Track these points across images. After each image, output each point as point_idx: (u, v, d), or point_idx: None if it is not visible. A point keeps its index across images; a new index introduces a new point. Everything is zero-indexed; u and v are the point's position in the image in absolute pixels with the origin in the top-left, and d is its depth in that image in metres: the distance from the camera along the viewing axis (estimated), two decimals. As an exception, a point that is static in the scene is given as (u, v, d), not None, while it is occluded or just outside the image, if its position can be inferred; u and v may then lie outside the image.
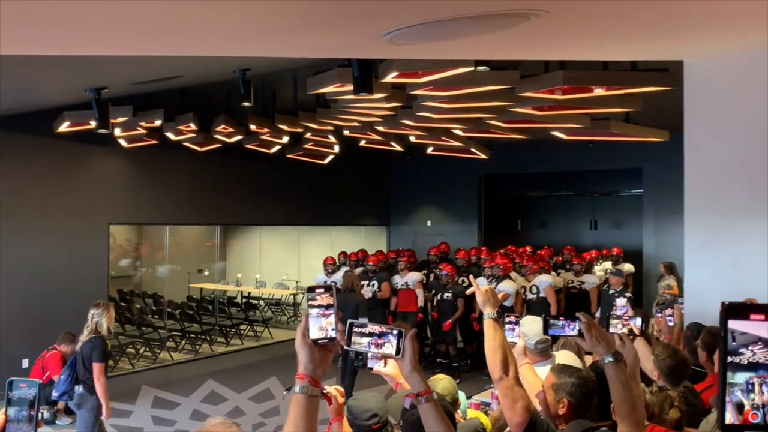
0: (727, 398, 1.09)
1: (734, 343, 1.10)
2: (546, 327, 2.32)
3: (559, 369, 2.72)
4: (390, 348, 1.61)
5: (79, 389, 5.39)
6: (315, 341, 1.47)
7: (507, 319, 3.31)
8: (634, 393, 2.31)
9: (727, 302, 1.12)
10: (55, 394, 5.51)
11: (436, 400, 1.72)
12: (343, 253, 11.29)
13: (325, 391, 2.48)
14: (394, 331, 1.62)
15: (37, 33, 3.29)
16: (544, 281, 8.79)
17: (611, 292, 8.41)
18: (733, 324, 1.10)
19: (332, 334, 1.47)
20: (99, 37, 3.39)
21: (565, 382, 2.58)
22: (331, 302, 1.49)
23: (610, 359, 2.23)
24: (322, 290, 1.50)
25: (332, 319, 1.47)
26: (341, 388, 2.38)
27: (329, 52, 4.24)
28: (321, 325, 1.47)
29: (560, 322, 2.30)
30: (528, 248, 11.65)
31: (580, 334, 2.26)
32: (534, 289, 8.78)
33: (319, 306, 1.48)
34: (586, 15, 2.89)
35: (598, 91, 5.18)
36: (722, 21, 3.42)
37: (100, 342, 5.39)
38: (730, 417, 1.09)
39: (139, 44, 3.63)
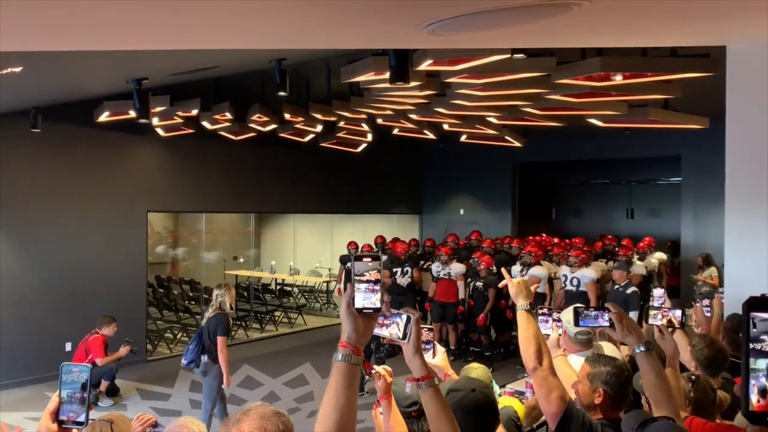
0: (752, 382, 1.10)
1: (755, 330, 1.11)
2: (577, 318, 2.31)
3: (593, 359, 2.71)
4: (396, 331, 1.65)
5: (204, 358, 6.02)
6: (359, 310, 1.47)
7: (540, 311, 3.32)
8: (669, 381, 2.30)
9: (751, 296, 1.13)
10: (183, 362, 6.11)
11: (437, 386, 1.76)
12: (354, 244, 11.36)
13: (373, 371, 2.52)
14: (403, 316, 1.66)
15: (80, 31, 3.37)
16: (587, 275, 8.54)
17: (616, 287, 7.91)
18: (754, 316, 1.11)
19: (377, 304, 1.47)
20: (140, 35, 3.45)
21: (600, 371, 2.57)
22: (379, 277, 1.47)
23: (642, 349, 2.24)
24: (370, 260, 1.48)
25: (379, 294, 1.47)
26: (389, 368, 2.40)
27: (368, 44, 4.24)
28: (367, 297, 1.47)
29: (592, 313, 2.30)
30: (576, 240, 11.35)
31: (611, 325, 2.26)
32: (575, 281, 8.62)
33: (368, 281, 1.47)
34: (628, 2, 2.84)
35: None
36: (768, 4, 3.32)
37: (224, 318, 6.04)
38: (754, 403, 1.10)
39: (178, 40, 3.70)
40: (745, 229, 4.75)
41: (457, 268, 9.65)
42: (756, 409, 1.09)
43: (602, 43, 4.72)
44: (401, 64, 4.29)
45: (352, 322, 1.46)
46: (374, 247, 11.28)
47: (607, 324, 2.28)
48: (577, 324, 2.34)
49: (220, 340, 5.95)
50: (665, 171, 13.51)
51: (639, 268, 9.61)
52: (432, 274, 9.95)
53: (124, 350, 7.62)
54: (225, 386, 6.10)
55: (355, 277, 1.47)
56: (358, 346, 1.45)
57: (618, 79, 5.12)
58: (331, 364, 1.45)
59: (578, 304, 2.29)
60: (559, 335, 3.36)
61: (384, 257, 9.72)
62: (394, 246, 10.46)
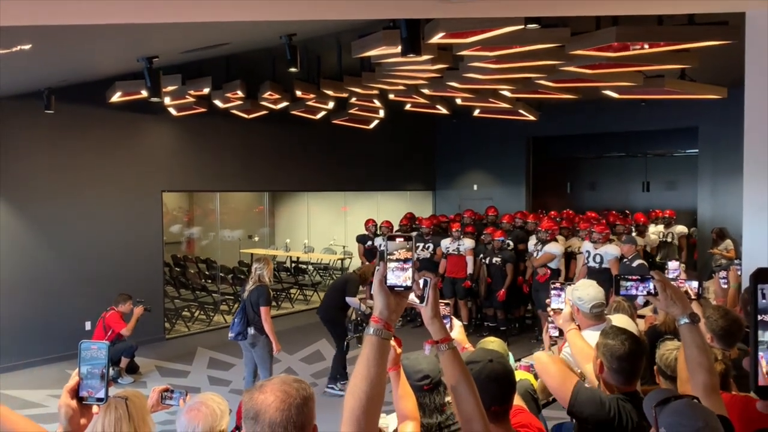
0: (761, 355, 1.07)
1: (764, 301, 1.08)
2: (618, 288, 2.21)
3: (604, 331, 2.71)
4: (413, 296, 1.69)
5: (251, 330, 6.25)
6: (391, 288, 1.52)
7: (552, 285, 3.32)
8: (712, 358, 2.17)
9: (759, 267, 1.10)
10: (231, 335, 6.37)
11: (455, 348, 1.79)
12: (372, 221, 11.34)
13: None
14: (420, 280, 1.68)
15: (88, 2, 3.35)
16: (611, 253, 8.46)
17: (625, 261, 7.95)
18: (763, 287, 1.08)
19: (407, 282, 1.53)
20: (150, 6, 3.43)
21: (601, 343, 2.60)
22: (410, 256, 1.53)
23: (686, 320, 2.10)
24: (402, 240, 1.54)
25: (409, 272, 1.52)
26: (399, 338, 2.41)
27: (382, 13, 4.18)
28: (398, 275, 1.52)
29: (630, 283, 2.19)
30: (590, 214, 11.17)
31: (654, 294, 2.15)
32: (598, 258, 8.55)
33: (398, 260, 1.53)
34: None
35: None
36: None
37: (264, 289, 6.25)
38: (764, 377, 1.07)
39: (189, 12, 3.67)
40: (765, 199, 4.68)
41: (468, 243, 9.66)
42: (767, 383, 1.06)
43: (617, 11, 4.63)
44: (413, 35, 4.24)
45: (384, 299, 1.53)
46: (399, 224, 11.33)
47: (644, 293, 2.17)
48: (618, 294, 2.28)
49: (263, 310, 6.15)
50: (682, 143, 13.34)
51: (638, 240, 9.47)
52: (442, 250, 9.93)
53: (138, 310, 7.69)
54: (275, 352, 6.29)
55: (387, 256, 1.53)
56: (389, 322, 1.51)
57: (645, 47, 5.00)
58: (363, 338, 1.52)
59: (623, 274, 2.22)
60: (573, 305, 3.38)
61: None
62: (421, 222, 10.59)
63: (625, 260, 7.97)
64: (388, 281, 1.52)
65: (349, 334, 7.39)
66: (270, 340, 6.26)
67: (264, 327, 6.20)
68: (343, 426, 1.45)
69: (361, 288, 7.58)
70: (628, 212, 10.79)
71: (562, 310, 3.27)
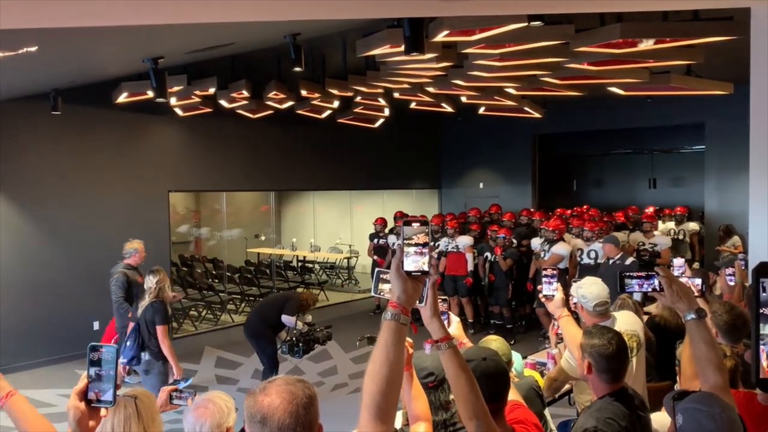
0: (762, 348, 1.07)
1: (765, 295, 1.08)
2: (622, 285, 2.20)
3: (587, 331, 2.72)
4: None
5: (145, 356, 5.56)
6: (409, 273, 1.52)
7: (544, 272, 3.31)
8: (720, 353, 2.17)
9: (761, 261, 1.10)
10: (123, 360, 5.58)
11: (456, 346, 1.80)
12: (382, 220, 11.37)
13: None
14: None
15: (92, 4, 3.37)
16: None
17: (610, 262, 7.69)
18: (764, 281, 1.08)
19: (425, 268, 1.52)
20: (154, 8, 3.45)
21: (587, 344, 2.61)
22: (427, 240, 1.52)
23: (693, 316, 2.09)
24: (418, 224, 1.53)
25: (427, 257, 1.51)
26: (410, 340, 2.42)
27: (385, 12, 4.19)
28: (416, 260, 1.51)
29: (635, 280, 2.17)
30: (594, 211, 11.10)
31: (660, 290, 2.13)
32: (592, 254, 8.47)
33: (416, 245, 1.52)
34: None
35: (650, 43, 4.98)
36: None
37: (161, 305, 5.57)
38: (766, 368, 1.07)
39: (193, 13, 3.68)
40: (771, 195, 4.66)
41: (464, 240, 9.63)
42: (766, 378, 1.06)
43: (621, 7, 4.62)
44: (416, 34, 4.24)
45: (401, 285, 1.52)
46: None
47: (649, 289, 2.15)
48: (622, 291, 2.26)
49: (159, 329, 5.45)
50: (688, 139, 13.28)
51: (665, 239, 9.33)
52: (441, 248, 9.90)
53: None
54: (177, 377, 5.31)
55: (405, 241, 1.52)
56: (406, 307, 1.52)
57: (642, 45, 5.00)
58: (380, 324, 1.52)
59: (626, 272, 2.20)
60: (566, 296, 3.37)
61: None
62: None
63: (612, 261, 7.68)
64: (405, 266, 1.51)
65: (280, 354, 7.03)
66: (167, 367, 5.53)
67: (162, 348, 5.46)
68: (364, 410, 1.46)
69: (300, 315, 7.02)
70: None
71: (553, 296, 3.27)
